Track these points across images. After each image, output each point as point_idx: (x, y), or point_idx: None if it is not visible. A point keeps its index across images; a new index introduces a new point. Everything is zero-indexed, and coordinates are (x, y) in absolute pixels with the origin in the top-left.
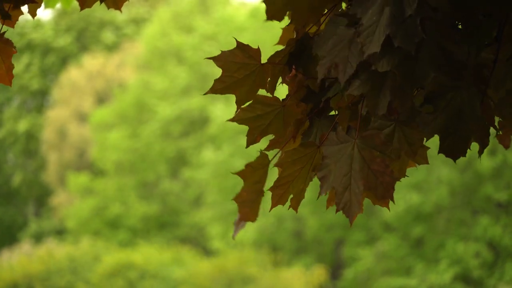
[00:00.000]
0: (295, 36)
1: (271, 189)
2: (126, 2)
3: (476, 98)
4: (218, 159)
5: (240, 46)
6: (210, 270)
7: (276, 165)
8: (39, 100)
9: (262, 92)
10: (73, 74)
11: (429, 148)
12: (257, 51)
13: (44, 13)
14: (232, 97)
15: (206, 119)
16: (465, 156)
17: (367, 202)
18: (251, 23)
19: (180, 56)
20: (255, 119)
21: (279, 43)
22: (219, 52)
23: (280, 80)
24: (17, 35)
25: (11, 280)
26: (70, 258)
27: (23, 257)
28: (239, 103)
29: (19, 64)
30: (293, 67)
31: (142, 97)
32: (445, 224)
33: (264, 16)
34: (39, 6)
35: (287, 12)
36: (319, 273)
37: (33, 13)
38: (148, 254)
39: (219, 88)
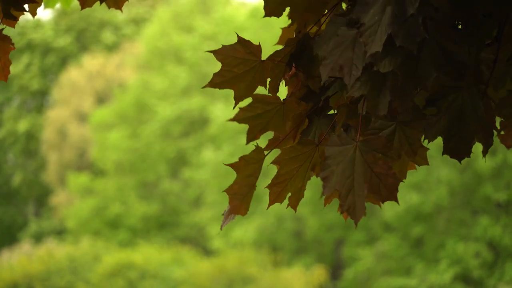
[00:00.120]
0: (294, 36)
1: (269, 186)
2: (126, 2)
3: (478, 99)
4: (218, 159)
5: (241, 41)
6: (210, 270)
7: (273, 162)
8: (39, 100)
9: (261, 89)
10: (73, 74)
11: (429, 149)
12: (258, 48)
13: (44, 13)
14: (232, 97)
15: (206, 119)
16: (469, 156)
17: (368, 202)
18: (251, 23)
19: (180, 56)
20: (255, 118)
21: (278, 43)
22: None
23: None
24: (17, 35)
25: (11, 280)
26: (70, 258)
27: (23, 257)
28: (237, 98)
29: (19, 64)
30: (293, 65)
31: (142, 97)
32: (445, 224)
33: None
34: (39, 6)
35: (286, 10)
36: (319, 273)
37: (33, 12)
38: (148, 254)
39: (217, 82)
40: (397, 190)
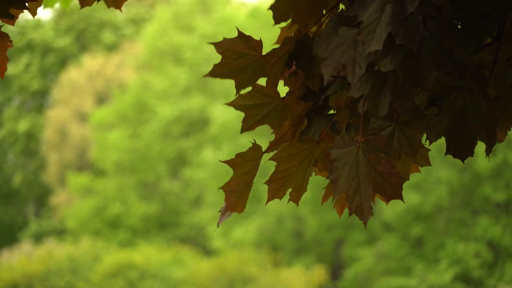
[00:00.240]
0: (293, 35)
1: (267, 182)
2: (126, 2)
3: (479, 98)
4: (218, 159)
5: (242, 36)
6: (210, 270)
7: (271, 159)
8: (39, 100)
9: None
10: (73, 74)
11: (430, 150)
12: (259, 43)
13: (44, 13)
14: (232, 98)
15: (206, 120)
16: (472, 156)
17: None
18: (251, 23)
19: (180, 56)
20: (253, 108)
21: (277, 42)
22: (220, 60)
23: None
24: (18, 35)
25: (11, 280)
26: (70, 258)
27: (23, 257)
28: (238, 88)
29: (19, 64)
30: (294, 64)
31: (142, 97)
32: (445, 224)
33: (264, 16)
34: (40, 5)
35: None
36: (319, 273)
37: (33, 11)
38: (148, 254)
39: (218, 72)
40: (401, 189)
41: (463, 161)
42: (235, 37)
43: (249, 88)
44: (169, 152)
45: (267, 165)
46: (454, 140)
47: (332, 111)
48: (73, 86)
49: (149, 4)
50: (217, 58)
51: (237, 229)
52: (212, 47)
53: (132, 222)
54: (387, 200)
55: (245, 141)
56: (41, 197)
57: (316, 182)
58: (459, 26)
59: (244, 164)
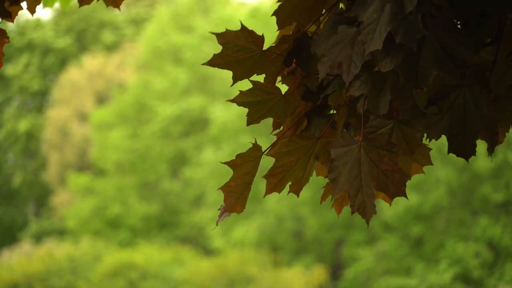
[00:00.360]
0: (291, 33)
1: (265, 176)
2: (125, 1)
3: (480, 97)
4: (218, 159)
5: (245, 29)
6: (211, 270)
7: (269, 154)
8: (39, 100)
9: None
10: (73, 74)
11: (431, 149)
12: (261, 38)
13: (44, 13)
14: (232, 97)
15: (206, 120)
16: (475, 155)
17: None
18: (251, 23)
19: (180, 56)
20: (255, 104)
21: (275, 42)
22: (220, 50)
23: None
24: (18, 35)
25: (11, 280)
26: (70, 258)
27: (23, 257)
28: (235, 79)
29: (19, 64)
30: (294, 61)
31: (142, 97)
32: (444, 224)
33: (264, 16)
34: (39, 3)
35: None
36: (319, 273)
37: (32, 9)
38: (148, 254)
39: (217, 62)
40: (405, 186)
41: (467, 160)
42: (238, 30)
43: (248, 83)
44: (169, 152)
45: (268, 165)
46: (456, 140)
47: (332, 111)
48: (73, 86)
49: (149, 4)
50: None
51: (237, 229)
52: (212, 47)
53: (132, 222)
54: (391, 197)
55: (245, 141)
56: (41, 197)
57: (316, 182)
58: (459, 26)
59: (244, 165)
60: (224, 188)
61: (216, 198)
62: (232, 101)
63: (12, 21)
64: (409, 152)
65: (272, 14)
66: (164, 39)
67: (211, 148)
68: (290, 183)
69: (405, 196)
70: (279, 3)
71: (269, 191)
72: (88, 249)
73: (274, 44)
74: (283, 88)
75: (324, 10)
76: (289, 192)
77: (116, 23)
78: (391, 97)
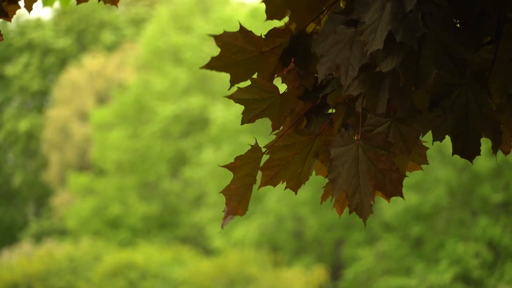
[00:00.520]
0: (284, 27)
1: (261, 169)
2: (125, 1)
3: (481, 95)
4: (218, 159)
5: (243, 30)
6: (211, 270)
7: (266, 146)
8: (39, 100)
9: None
10: (73, 74)
11: (428, 148)
12: (259, 39)
13: (44, 13)
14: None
15: (206, 120)
16: (479, 155)
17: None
18: (251, 23)
19: (180, 56)
20: (252, 102)
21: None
22: (219, 53)
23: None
24: (18, 35)
25: (11, 280)
26: (70, 258)
27: (23, 257)
28: (233, 82)
29: (19, 64)
30: (292, 60)
31: (142, 97)
32: (444, 224)
33: (264, 16)
34: (36, 1)
35: (287, 11)
36: (319, 273)
37: (29, 7)
38: (148, 254)
39: (215, 65)
40: (401, 185)
41: (471, 161)
42: (236, 31)
43: (246, 82)
44: (169, 152)
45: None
46: (460, 139)
47: (330, 110)
48: (74, 86)
49: (149, 4)
50: None
51: (237, 229)
52: (212, 47)
53: (132, 222)
54: (388, 197)
55: (244, 141)
56: (41, 197)
57: (316, 181)
58: (458, 26)
59: (243, 167)
60: (225, 192)
61: (216, 198)
62: (230, 97)
63: (10, 21)
64: (406, 150)
65: (262, 1)
66: (164, 39)
67: (211, 148)
68: (287, 178)
69: (402, 196)
70: None
71: (263, 183)
72: (88, 249)
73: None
74: (282, 87)
75: (324, 8)
76: (286, 187)
77: (116, 23)
78: (390, 96)
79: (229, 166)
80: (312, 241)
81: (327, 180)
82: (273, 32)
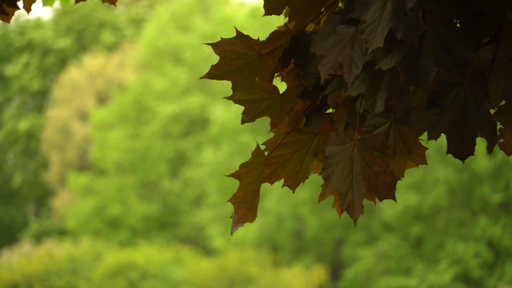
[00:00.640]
0: (285, 29)
1: None
2: (125, 1)
3: (480, 95)
4: (218, 159)
5: (240, 35)
6: (211, 270)
7: (264, 143)
8: (39, 100)
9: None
10: (73, 74)
11: (427, 148)
12: (257, 42)
13: (44, 13)
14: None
15: (206, 119)
16: (473, 155)
17: (368, 202)
18: (251, 23)
19: (180, 56)
20: (252, 102)
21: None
22: (218, 61)
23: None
24: (18, 35)
25: (11, 280)
26: (70, 258)
27: (23, 257)
28: (235, 89)
29: (19, 64)
30: (292, 61)
31: (142, 97)
32: (444, 224)
33: (264, 17)
34: (34, 1)
35: (285, 8)
36: (319, 273)
37: (28, 7)
38: (148, 254)
39: (215, 74)
40: (394, 188)
41: (463, 161)
42: (233, 37)
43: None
44: (169, 152)
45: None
46: (456, 139)
47: (330, 110)
48: (74, 85)
49: (149, 4)
50: (217, 58)
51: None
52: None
53: (132, 222)
54: (380, 199)
55: (244, 140)
56: (41, 197)
57: (316, 181)
58: (458, 25)
59: (249, 174)
60: (233, 200)
61: (216, 198)
62: (229, 98)
63: (9, 22)
64: (406, 151)
65: None
66: (164, 39)
67: (211, 148)
68: (284, 176)
69: (394, 199)
70: None
71: (262, 181)
72: (88, 249)
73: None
74: (282, 87)
75: (323, 8)
76: (283, 185)
77: (116, 23)
78: (388, 95)
79: (234, 175)
80: (312, 241)
81: None
82: (274, 35)
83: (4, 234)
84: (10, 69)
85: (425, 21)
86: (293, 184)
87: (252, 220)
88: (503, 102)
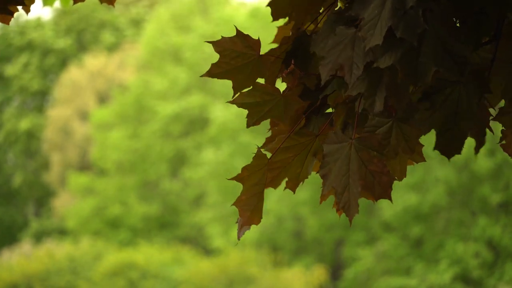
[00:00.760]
0: (291, 34)
1: None
2: (125, 1)
3: (474, 95)
4: (218, 159)
5: (240, 35)
6: (211, 270)
7: (266, 149)
8: (40, 100)
9: (260, 81)
10: (73, 74)
11: (424, 145)
12: (257, 42)
13: (44, 13)
14: (231, 97)
15: (205, 119)
16: (460, 153)
17: (368, 202)
18: (251, 23)
19: (180, 56)
20: (255, 105)
21: (274, 41)
22: (218, 59)
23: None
24: (18, 35)
25: (11, 280)
26: (70, 258)
27: (23, 257)
28: (236, 89)
29: (19, 64)
30: (292, 62)
31: (142, 97)
32: (444, 224)
33: (264, 16)
34: (33, 2)
35: (291, 11)
36: (319, 273)
37: (26, 9)
38: (148, 254)
39: (216, 72)
40: (391, 188)
41: (449, 158)
42: (234, 36)
43: (249, 87)
44: (169, 152)
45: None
46: (445, 136)
47: (330, 110)
48: (74, 85)
49: (149, 4)
50: (217, 58)
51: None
52: (212, 47)
53: (133, 222)
54: (376, 199)
55: (244, 140)
56: (41, 197)
57: (316, 181)
58: (458, 25)
59: (251, 176)
60: (237, 204)
61: (216, 198)
62: (232, 102)
63: (8, 23)
64: (409, 150)
65: (267, 5)
66: (164, 39)
67: (211, 147)
68: (286, 179)
69: (390, 199)
70: None
71: (265, 186)
72: (88, 249)
73: (272, 44)
74: (283, 87)
75: (322, 9)
76: (285, 188)
77: (116, 24)
78: (387, 94)
79: (237, 178)
80: (312, 241)
81: None
82: (283, 41)
83: (4, 234)
84: (10, 69)
85: (425, 20)
86: (294, 185)
87: (257, 222)
88: (502, 102)
